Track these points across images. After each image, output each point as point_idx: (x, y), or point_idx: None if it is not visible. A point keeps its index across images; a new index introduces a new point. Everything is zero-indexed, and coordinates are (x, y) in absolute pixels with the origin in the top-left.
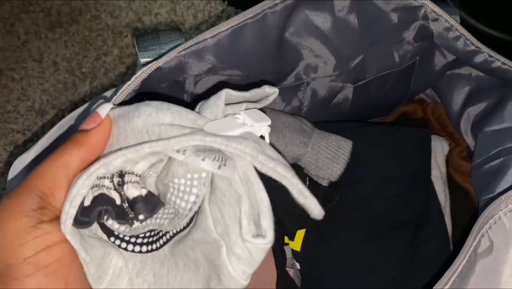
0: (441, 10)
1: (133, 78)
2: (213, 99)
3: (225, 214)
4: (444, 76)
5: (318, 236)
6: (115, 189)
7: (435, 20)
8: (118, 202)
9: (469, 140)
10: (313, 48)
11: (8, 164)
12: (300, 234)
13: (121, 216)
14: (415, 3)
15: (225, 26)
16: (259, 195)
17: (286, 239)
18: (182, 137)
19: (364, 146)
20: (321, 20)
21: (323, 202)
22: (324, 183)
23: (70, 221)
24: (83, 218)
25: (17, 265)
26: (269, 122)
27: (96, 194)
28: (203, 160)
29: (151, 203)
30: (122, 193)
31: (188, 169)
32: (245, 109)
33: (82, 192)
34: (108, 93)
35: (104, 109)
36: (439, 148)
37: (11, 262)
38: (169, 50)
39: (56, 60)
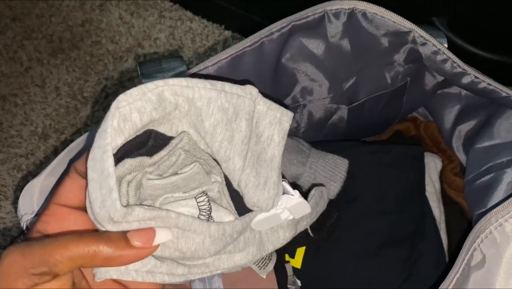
0: (428, 35)
1: None
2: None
3: None
4: (435, 96)
5: (318, 253)
6: None
7: (423, 44)
8: None
9: (461, 156)
10: (308, 72)
11: (12, 188)
12: (300, 251)
13: None
14: (404, 28)
15: (224, 55)
16: None
17: (287, 257)
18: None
19: (360, 165)
20: (315, 45)
21: (322, 220)
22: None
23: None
24: None
25: None
26: (309, 211)
27: None
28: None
29: None
30: None
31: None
32: (294, 201)
33: None
34: None
35: (163, 237)
36: (433, 165)
37: None
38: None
39: (58, 85)
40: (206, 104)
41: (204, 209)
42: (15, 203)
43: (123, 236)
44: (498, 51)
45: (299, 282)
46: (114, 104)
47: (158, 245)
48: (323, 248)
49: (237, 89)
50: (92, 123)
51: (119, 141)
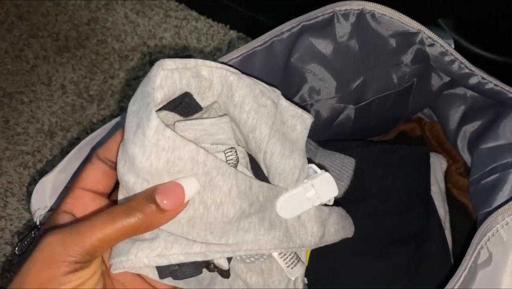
0: (436, 36)
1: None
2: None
3: None
4: (440, 96)
5: (325, 251)
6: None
7: (431, 45)
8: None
9: (466, 157)
10: (316, 72)
11: (19, 184)
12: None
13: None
14: (412, 29)
15: (236, 54)
16: None
17: None
18: (272, 248)
19: (366, 164)
20: (324, 46)
21: None
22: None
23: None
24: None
25: None
26: (336, 193)
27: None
28: (290, 269)
29: None
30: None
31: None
32: (315, 178)
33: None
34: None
35: (191, 188)
36: (438, 165)
37: None
38: None
39: (64, 83)
40: (237, 79)
41: (233, 164)
42: (21, 200)
43: (150, 200)
44: (503, 53)
45: (306, 280)
46: (157, 64)
47: (188, 202)
48: (330, 246)
49: (263, 82)
50: (98, 121)
51: (159, 96)
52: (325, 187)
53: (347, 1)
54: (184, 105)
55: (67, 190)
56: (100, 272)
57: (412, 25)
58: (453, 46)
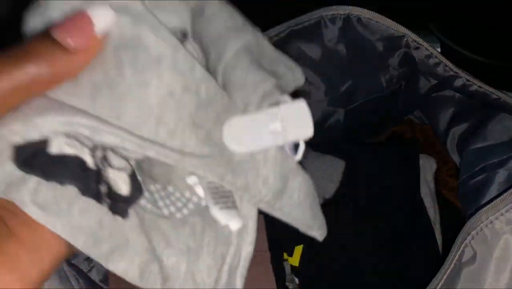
0: (421, 40)
1: None
2: (257, 86)
3: None
4: (429, 99)
5: (315, 252)
6: (95, 165)
7: (417, 48)
8: (92, 183)
9: (456, 158)
10: (305, 76)
11: None
12: (298, 250)
13: (91, 194)
14: (398, 33)
15: None
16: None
17: (285, 255)
18: (201, 166)
19: (356, 166)
20: (312, 50)
21: None
22: (320, 201)
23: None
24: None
25: None
26: (310, 133)
27: (69, 151)
28: (219, 208)
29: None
30: (103, 173)
31: (193, 192)
32: (284, 104)
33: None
34: None
35: (104, 20)
36: (428, 166)
37: None
38: None
39: None
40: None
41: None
42: None
43: (50, 41)
44: (494, 56)
45: (297, 280)
46: None
47: (100, 43)
48: (321, 246)
49: None
50: None
51: None
52: (296, 120)
53: (334, 6)
54: None
55: None
56: None
57: (398, 29)
58: (439, 49)
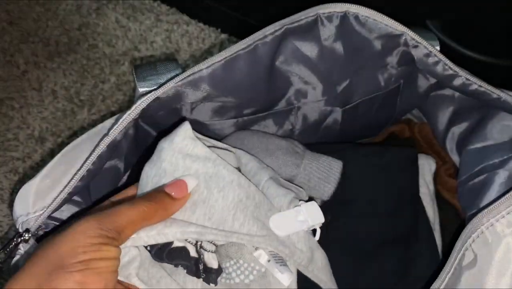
0: (420, 38)
1: (133, 108)
2: (286, 198)
3: None
4: (428, 98)
5: None
6: (196, 251)
7: (415, 46)
8: (194, 261)
9: (455, 158)
10: (301, 75)
11: (9, 191)
12: None
13: (193, 273)
14: (396, 31)
15: (219, 58)
16: None
17: None
18: (263, 242)
19: (354, 166)
20: (309, 48)
21: None
22: (317, 203)
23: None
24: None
25: (71, 262)
26: (323, 220)
27: (179, 245)
28: (281, 273)
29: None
30: (201, 257)
31: (256, 264)
32: (305, 202)
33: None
34: (108, 123)
35: (192, 183)
36: (427, 166)
37: (67, 258)
38: (167, 81)
39: (55, 88)
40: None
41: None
42: (12, 206)
43: (163, 193)
44: (493, 54)
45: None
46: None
47: (190, 194)
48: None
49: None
50: (89, 126)
51: None
52: (314, 213)
53: (331, 4)
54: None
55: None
56: (118, 265)
57: (396, 27)
58: (438, 47)
